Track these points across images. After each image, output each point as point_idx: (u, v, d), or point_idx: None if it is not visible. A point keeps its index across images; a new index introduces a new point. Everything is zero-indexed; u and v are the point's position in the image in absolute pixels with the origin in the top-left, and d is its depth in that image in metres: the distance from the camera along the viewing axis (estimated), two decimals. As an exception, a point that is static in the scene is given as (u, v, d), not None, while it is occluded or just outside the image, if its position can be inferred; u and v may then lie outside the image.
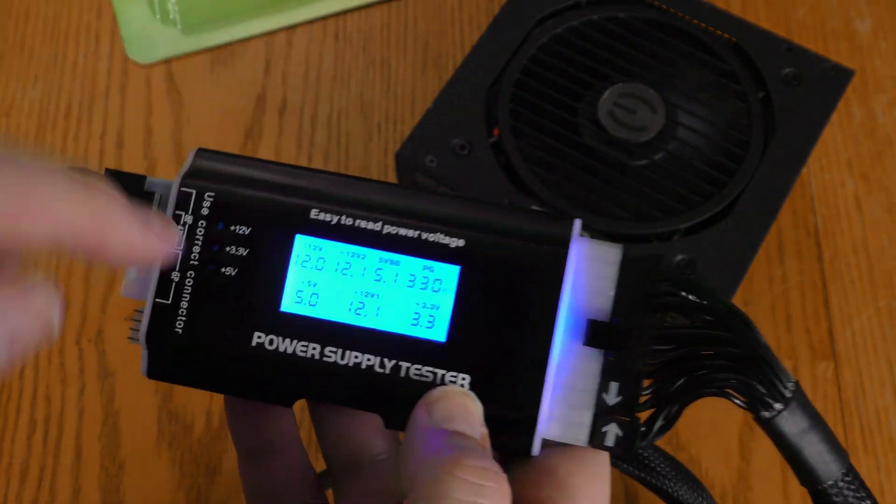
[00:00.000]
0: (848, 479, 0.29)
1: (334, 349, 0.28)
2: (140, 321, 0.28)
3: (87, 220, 0.24)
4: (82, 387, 0.51)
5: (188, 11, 0.60)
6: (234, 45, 0.60)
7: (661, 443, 0.49)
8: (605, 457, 0.28)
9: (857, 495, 0.29)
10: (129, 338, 0.29)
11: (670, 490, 0.45)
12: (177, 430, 0.50)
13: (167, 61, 0.60)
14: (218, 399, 0.50)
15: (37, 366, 0.51)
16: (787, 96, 0.53)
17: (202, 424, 0.50)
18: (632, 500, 0.48)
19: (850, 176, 0.57)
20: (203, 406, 0.50)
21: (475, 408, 0.27)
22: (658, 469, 0.46)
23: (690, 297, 0.28)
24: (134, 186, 0.29)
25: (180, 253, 0.28)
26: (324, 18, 0.61)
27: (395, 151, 0.54)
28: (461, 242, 0.28)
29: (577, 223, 0.28)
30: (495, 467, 0.25)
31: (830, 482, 0.29)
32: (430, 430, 0.26)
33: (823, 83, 0.53)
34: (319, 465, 0.33)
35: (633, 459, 0.46)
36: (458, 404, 0.27)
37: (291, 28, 0.61)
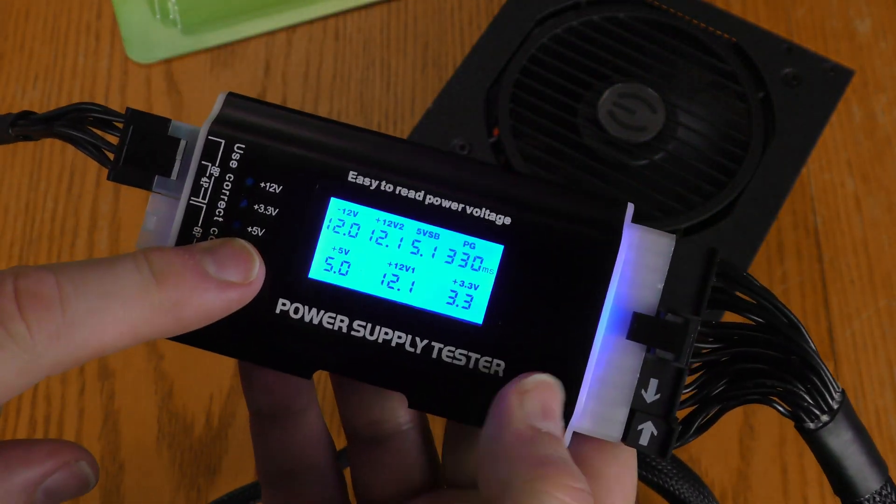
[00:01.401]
0: (885, 492, 0.28)
1: (363, 323, 0.26)
2: None
3: (161, 311, 0.24)
4: (82, 387, 0.51)
5: (188, 11, 0.60)
6: (234, 45, 0.60)
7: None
8: (629, 449, 0.27)
9: None
10: None
11: (672, 488, 0.45)
12: (177, 430, 0.50)
13: (167, 61, 0.60)
14: (218, 399, 0.50)
15: (37, 366, 0.51)
16: (786, 96, 0.53)
17: (202, 424, 0.50)
18: (632, 500, 0.48)
19: (850, 176, 0.57)
20: (203, 406, 0.50)
21: (562, 399, 0.26)
22: (660, 467, 0.46)
23: (742, 295, 0.27)
24: (157, 130, 0.27)
25: (204, 206, 0.26)
26: (324, 18, 0.61)
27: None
28: (507, 220, 0.26)
29: (630, 208, 0.27)
30: (588, 488, 0.24)
31: (867, 496, 0.28)
32: (525, 427, 0.25)
33: (823, 83, 0.53)
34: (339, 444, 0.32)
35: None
36: (553, 397, 0.25)
37: (291, 28, 0.61)
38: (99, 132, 0.27)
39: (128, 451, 0.49)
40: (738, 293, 0.27)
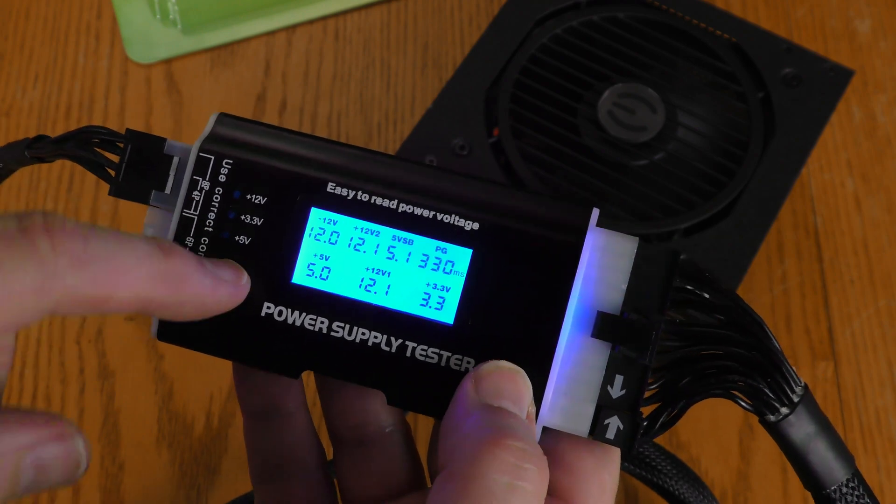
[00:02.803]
0: (852, 484, 0.29)
1: (342, 324, 0.28)
2: None
3: (165, 280, 0.25)
4: (82, 387, 0.51)
5: (188, 11, 0.60)
6: (234, 45, 0.60)
7: (661, 442, 0.49)
8: (613, 466, 0.28)
9: (861, 501, 0.29)
10: None
11: (672, 488, 0.45)
12: (177, 430, 0.50)
13: (167, 61, 0.60)
14: (218, 399, 0.50)
15: (37, 366, 0.51)
16: (786, 96, 0.53)
17: (202, 424, 0.50)
18: (632, 499, 0.48)
19: (850, 176, 0.57)
20: (203, 406, 0.50)
21: (525, 386, 0.27)
22: (660, 467, 0.46)
23: (704, 294, 0.28)
24: (153, 148, 0.29)
25: (195, 218, 0.28)
26: (324, 18, 0.61)
27: (395, 151, 0.54)
28: (476, 225, 0.28)
29: (595, 213, 0.28)
30: (537, 450, 0.25)
31: (833, 487, 0.29)
32: (476, 405, 0.26)
33: (823, 83, 0.53)
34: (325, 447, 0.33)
35: (634, 458, 0.46)
36: (509, 380, 0.26)
37: (291, 28, 0.61)
38: (102, 152, 0.29)
39: (128, 451, 0.49)
40: (701, 293, 0.28)
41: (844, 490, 0.29)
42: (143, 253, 0.25)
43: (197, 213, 0.28)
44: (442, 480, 0.25)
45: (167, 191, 0.29)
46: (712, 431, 0.50)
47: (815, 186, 0.56)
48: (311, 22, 0.61)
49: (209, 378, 0.51)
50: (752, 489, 0.49)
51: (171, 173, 0.29)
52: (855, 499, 0.29)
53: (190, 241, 0.28)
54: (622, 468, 0.46)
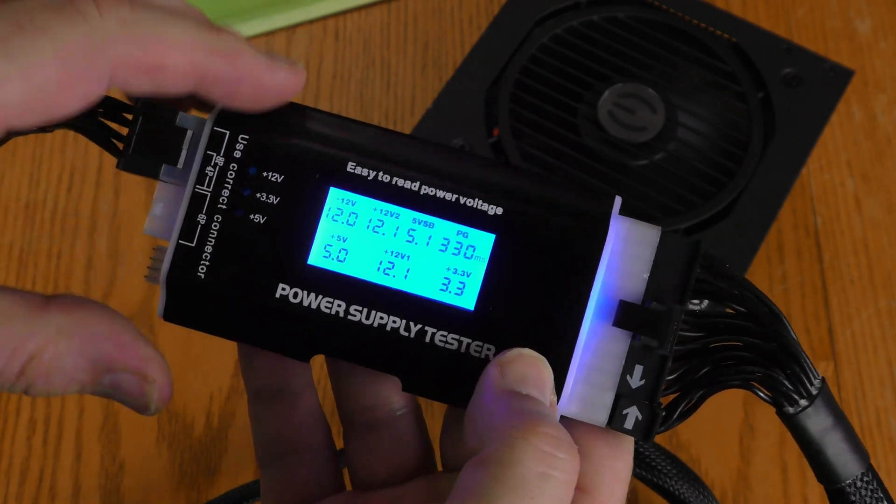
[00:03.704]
0: (867, 478, 0.29)
1: (359, 308, 0.27)
2: (160, 260, 0.27)
3: (218, 50, 0.25)
4: (82, 387, 0.51)
5: (188, 11, 0.60)
6: (234, 45, 0.60)
7: (661, 442, 0.49)
8: (627, 457, 0.28)
9: (875, 496, 0.29)
10: (147, 277, 0.28)
11: (672, 488, 0.46)
12: (177, 430, 0.50)
13: (167, 61, 0.60)
14: (218, 399, 0.50)
15: (37, 366, 0.51)
16: (786, 96, 0.53)
17: (202, 424, 0.50)
18: (632, 499, 0.48)
19: (850, 176, 0.57)
20: (203, 406, 0.50)
21: (548, 374, 0.26)
22: (660, 467, 0.46)
23: (724, 285, 0.28)
24: (165, 120, 0.27)
25: (208, 195, 0.27)
26: (324, 18, 0.61)
27: (395, 151, 0.54)
28: (499, 210, 0.27)
29: (618, 200, 0.28)
30: (569, 439, 0.25)
31: (848, 481, 0.29)
32: (503, 391, 0.25)
33: (823, 83, 0.53)
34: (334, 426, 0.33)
35: (634, 457, 0.46)
36: (533, 367, 0.26)
37: (291, 28, 0.61)
38: (108, 122, 0.28)
39: (128, 451, 0.49)
40: (720, 284, 0.28)
41: (859, 484, 0.29)
42: (193, 23, 0.25)
43: (210, 189, 0.27)
44: (473, 465, 0.24)
45: (179, 165, 0.27)
46: (712, 431, 0.50)
47: (815, 186, 0.56)
48: (311, 22, 0.61)
49: (209, 378, 0.51)
50: (752, 489, 0.49)
51: (184, 147, 0.27)
52: (869, 493, 0.29)
53: (202, 218, 0.27)
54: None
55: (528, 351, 0.26)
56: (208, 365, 0.51)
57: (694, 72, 0.54)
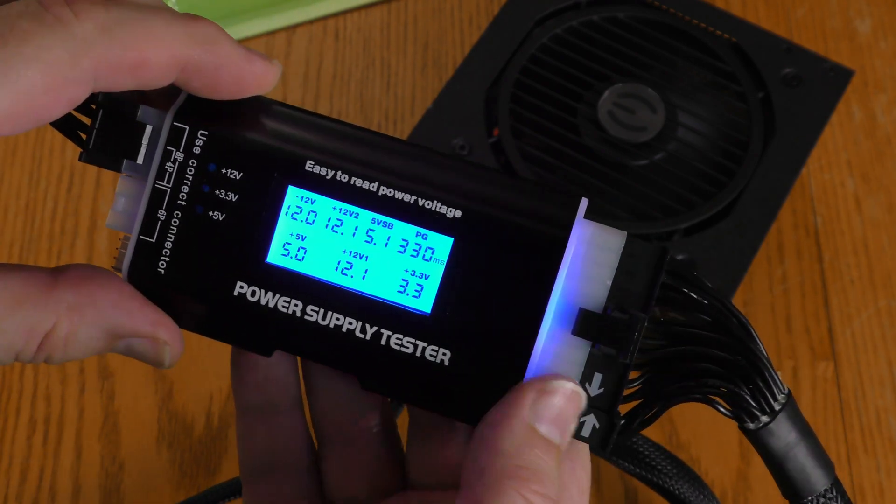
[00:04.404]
0: (830, 495, 0.28)
1: (316, 308, 0.27)
2: (125, 251, 0.28)
3: (198, 40, 0.25)
4: (82, 387, 0.51)
5: (188, 12, 0.60)
6: (234, 45, 0.60)
7: (661, 442, 0.49)
8: (584, 446, 0.28)
9: None
10: (113, 266, 0.28)
11: (672, 488, 0.45)
12: (177, 430, 0.50)
13: (167, 61, 0.60)
14: (218, 399, 0.50)
15: (36, 365, 0.51)
16: (786, 96, 0.53)
17: (202, 424, 0.50)
18: (631, 499, 0.48)
19: (850, 176, 0.57)
20: (203, 406, 0.50)
21: (580, 409, 0.26)
22: (660, 467, 0.46)
23: (691, 294, 0.27)
24: (127, 114, 0.27)
25: (168, 190, 0.27)
26: (324, 18, 0.61)
27: (395, 151, 0.54)
28: (458, 213, 0.27)
29: (584, 204, 0.27)
30: (556, 492, 0.25)
31: (810, 497, 0.28)
32: (522, 425, 0.25)
33: (823, 83, 0.53)
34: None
35: (634, 457, 0.46)
36: (572, 405, 0.26)
37: (291, 28, 0.61)
38: (76, 114, 0.28)
39: (128, 451, 0.49)
40: (689, 293, 0.27)
41: (822, 500, 0.28)
42: (168, 17, 0.25)
43: (170, 185, 0.27)
44: (463, 502, 0.25)
45: (139, 160, 0.27)
46: (712, 431, 0.50)
47: (815, 186, 0.56)
48: (311, 22, 0.61)
49: (209, 378, 0.51)
50: (752, 489, 0.49)
51: (144, 142, 0.27)
52: None
53: (162, 214, 0.27)
54: (621, 467, 0.46)
55: (572, 385, 0.26)
56: (208, 365, 0.51)
57: (694, 72, 0.54)
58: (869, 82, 0.59)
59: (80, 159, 0.27)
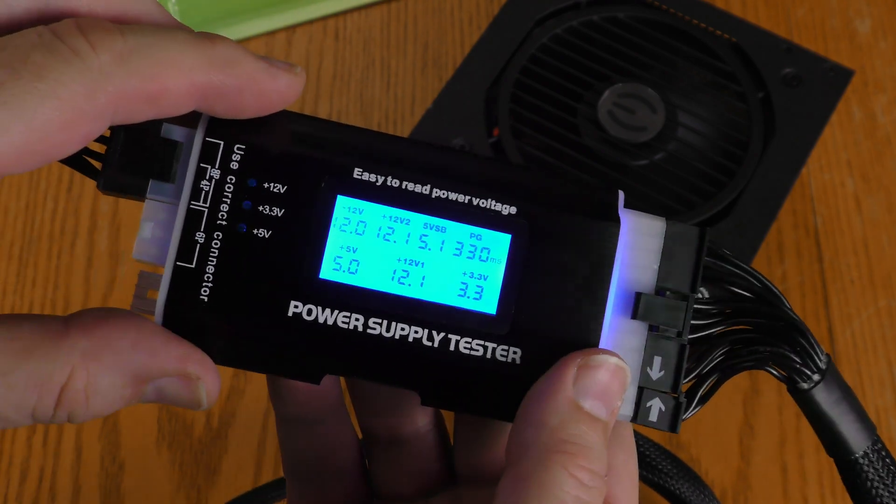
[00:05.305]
0: (877, 447, 0.29)
1: (379, 320, 0.26)
2: (147, 287, 0.26)
3: (216, 64, 0.24)
4: (82, 387, 0.51)
5: (188, 11, 0.60)
6: (234, 45, 0.60)
7: (661, 442, 0.49)
8: (631, 434, 0.28)
9: (885, 465, 0.29)
10: (133, 307, 0.25)
11: (673, 488, 0.46)
12: (177, 430, 0.50)
13: (167, 61, 0.60)
14: (218, 399, 0.50)
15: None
16: (786, 96, 0.53)
17: (202, 424, 0.50)
18: (632, 500, 0.48)
19: (850, 176, 0.57)
20: (203, 406, 0.50)
21: (626, 384, 0.26)
22: (660, 467, 0.46)
23: (731, 269, 0.28)
24: (150, 133, 0.26)
25: (206, 210, 0.25)
26: (324, 18, 0.61)
27: (395, 151, 0.54)
28: (513, 210, 0.26)
29: (621, 195, 0.28)
30: (605, 468, 0.25)
31: (861, 453, 0.29)
32: (566, 401, 0.25)
33: (823, 83, 0.53)
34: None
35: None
36: (618, 379, 0.26)
37: (291, 28, 0.61)
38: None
39: (128, 451, 0.49)
40: (729, 269, 0.28)
41: (871, 455, 0.29)
42: (186, 40, 0.24)
43: (207, 205, 0.25)
44: (512, 480, 0.24)
45: (172, 181, 0.26)
46: (712, 431, 0.50)
47: (815, 186, 0.56)
48: (311, 22, 0.61)
49: (209, 378, 0.51)
50: (752, 489, 0.49)
51: (175, 161, 0.26)
52: (881, 461, 0.29)
53: (200, 236, 0.25)
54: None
55: (614, 359, 0.26)
56: (208, 365, 0.51)
57: (694, 72, 0.54)
58: (869, 82, 0.59)
59: (99, 187, 0.26)
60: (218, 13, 0.60)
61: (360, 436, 0.32)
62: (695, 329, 0.28)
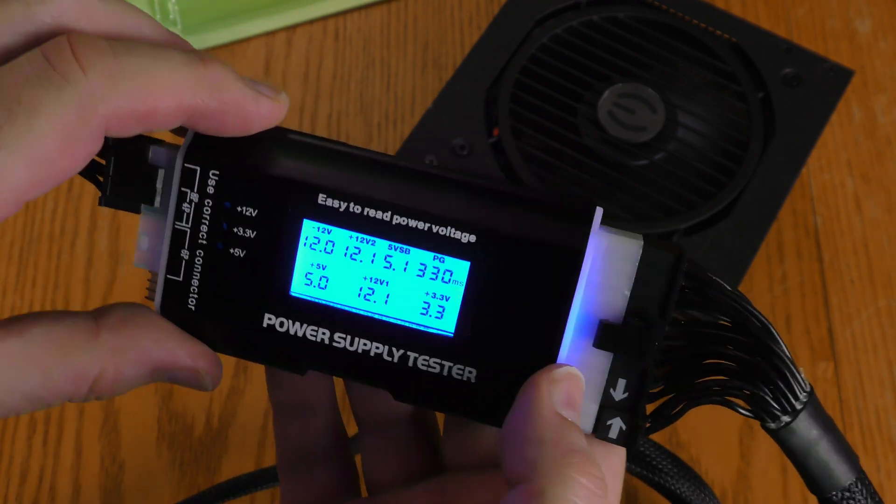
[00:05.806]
0: (855, 488, 0.29)
1: (343, 335, 0.28)
2: (153, 290, 0.28)
3: (205, 86, 0.25)
4: (82, 387, 0.51)
5: (188, 11, 0.60)
6: (233, 45, 0.60)
7: (661, 441, 0.49)
8: (622, 453, 0.28)
9: None
10: (147, 297, 0.29)
11: (673, 487, 0.46)
12: (177, 430, 0.50)
13: (167, 61, 0.60)
14: (218, 399, 0.50)
15: (37, 366, 0.51)
16: (786, 96, 0.53)
17: (202, 424, 0.50)
18: (632, 499, 0.48)
19: (850, 176, 0.57)
20: (203, 406, 0.50)
21: (583, 386, 0.27)
22: (660, 466, 0.46)
23: (710, 296, 0.27)
24: (137, 157, 0.28)
25: (188, 230, 0.28)
26: (324, 18, 0.61)
27: (394, 151, 0.54)
28: (472, 238, 0.27)
29: (598, 214, 0.27)
30: (603, 476, 0.26)
31: (835, 493, 0.29)
32: (550, 413, 0.26)
33: (823, 83, 0.53)
34: (351, 430, 0.33)
35: (634, 457, 0.46)
36: (577, 387, 0.27)
37: (291, 28, 0.61)
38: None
39: (128, 451, 0.49)
40: (708, 294, 0.27)
41: (847, 495, 0.29)
42: (179, 61, 0.25)
43: (189, 225, 0.28)
44: (524, 496, 0.25)
45: (156, 204, 0.28)
46: (712, 431, 0.50)
47: (815, 186, 0.56)
48: (311, 22, 0.61)
49: (209, 378, 0.51)
50: (752, 489, 0.49)
51: (159, 186, 0.28)
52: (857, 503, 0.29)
53: (185, 253, 0.28)
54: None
55: (572, 369, 0.27)
56: (208, 365, 0.51)
57: (694, 72, 0.54)
58: (869, 82, 0.59)
59: (100, 204, 0.28)
60: (218, 13, 0.60)
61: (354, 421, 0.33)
62: (666, 350, 0.27)
